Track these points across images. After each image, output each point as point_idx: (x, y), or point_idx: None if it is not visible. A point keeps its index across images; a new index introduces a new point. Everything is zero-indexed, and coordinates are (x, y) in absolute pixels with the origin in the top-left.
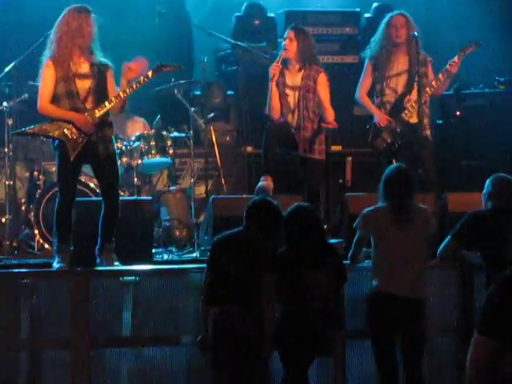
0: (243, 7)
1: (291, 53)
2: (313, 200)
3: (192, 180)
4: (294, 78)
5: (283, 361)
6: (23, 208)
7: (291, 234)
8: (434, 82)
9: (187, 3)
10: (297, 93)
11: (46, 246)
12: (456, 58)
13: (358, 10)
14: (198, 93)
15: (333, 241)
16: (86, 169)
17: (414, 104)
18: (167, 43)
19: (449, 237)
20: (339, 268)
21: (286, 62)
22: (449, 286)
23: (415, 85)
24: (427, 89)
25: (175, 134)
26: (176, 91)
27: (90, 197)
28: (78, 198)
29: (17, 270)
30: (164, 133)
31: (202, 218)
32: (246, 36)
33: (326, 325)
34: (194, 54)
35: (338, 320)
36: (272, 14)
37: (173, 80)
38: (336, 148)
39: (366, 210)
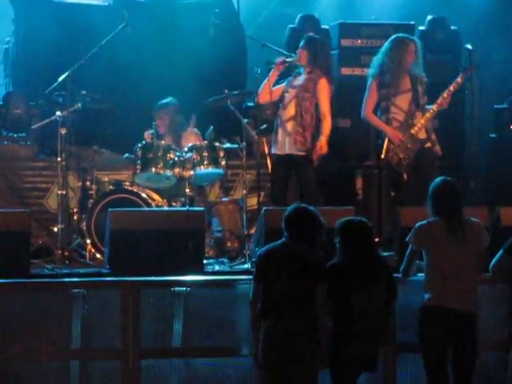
0: (297, 19)
1: (302, 60)
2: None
3: (244, 191)
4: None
5: (331, 374)
6: (75, 217)
7: (345, 247)
8: (439, 100)
9: (241, 14)
10: (295, 90)
11: (98, 255)
12: (459, 78)
13: (412, 22)
14: (250, 104)
15: (384, 254)
16: (138, 179)
17: (421, 120)
18: (221, 54)
19: (501, 251)
20: (391, 285)
21: (299, 68)
22: (500, 300)
23: (420, 101)
24: (434, 107)
25: (228, 145)
26: (229, 102)
27: (142, 207)
28: (129, 208)
29: (68, 280)
30: (216, 144)
31: (253, 230)
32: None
33: (372, 342)
34: (248, 65)
35: (385, 336)
36: (326, 26)
37: (226, 91)
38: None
39: (419, 223)
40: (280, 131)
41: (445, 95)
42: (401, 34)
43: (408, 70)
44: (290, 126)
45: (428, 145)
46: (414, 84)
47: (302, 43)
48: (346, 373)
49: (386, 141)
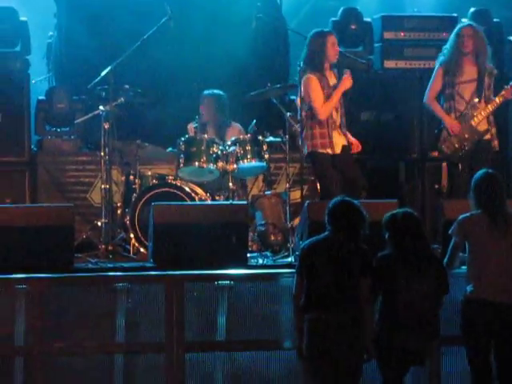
0: (339, 12)
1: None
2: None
3: (287, 185)
4: (331, 79)
5: (380, 368)
6: (119, 212)
7: (394, 240)
8: (503, 92)
9: (284, 7)
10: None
11: (142, 249)
12: None
13: (455, 14)
14: (293, 97)
15: None
16: (181, 173)
17: (482, 112)
18: (264, 47)
19: None
20: (442, 279)
21: (323, 65)
22: None
23: (484, 94)
24: (496, 99)
25: (271, 138)
26: (271, 96)
27: (185, 200)
28: (172, 202)
29: (112, 274)
30: (259, 137)
31: (297, 223)
32: (342, 41)
33: (420, 335)
34: (290, 58)
35: (434, 330)
36: (368, 19)
37: (268, 84)
38: (433, 154)
39: (462, 216)
40: (335, 133)
41: (509, 87)
42: (465, 22)
43: (472, 57)
44: (341, 126)
45: (488, 137)
46: (481, 74)
47: (335, 40)
48: (394, 366)
49: (444, 130)
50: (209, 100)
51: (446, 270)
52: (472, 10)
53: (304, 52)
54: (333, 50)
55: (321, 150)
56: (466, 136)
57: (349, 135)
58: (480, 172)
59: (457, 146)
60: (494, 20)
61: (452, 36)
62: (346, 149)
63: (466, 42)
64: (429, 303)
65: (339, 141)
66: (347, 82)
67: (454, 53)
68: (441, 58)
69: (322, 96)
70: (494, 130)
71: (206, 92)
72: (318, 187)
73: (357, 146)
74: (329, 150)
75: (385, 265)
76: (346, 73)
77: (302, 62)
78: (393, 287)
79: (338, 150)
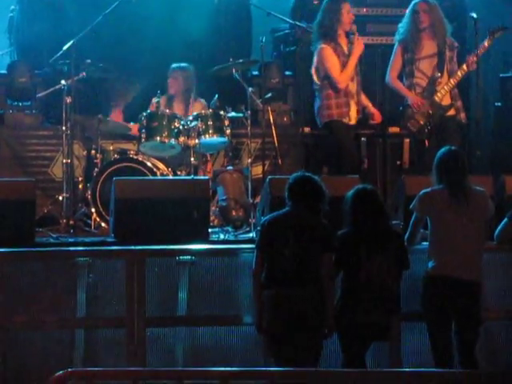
0: None
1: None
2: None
3: (249, 160)
4: (346, 47)
5: (341, 344)
6: (80, 186)
7: (356, 216)
8: (465, 65)
9: None
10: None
11: (103, 224)
12: (486, 42)
13: None
14: (256, 73)
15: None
16: (143, 147)
17: (445, 86)
18: (226, 23)
19: (505, 219)
20: (402, 255)
21: (337, 33)
22: (505, 268)
23: (445, 68)
24: (458, 72)
25: (232, 113)
26: (234, 71)
27: (147, 175)
28: (134, 177)
29: (73, 249)
30: (221, 112)
31: (258, 198)
32: (305, 16)
33: (381, 311)
34: (253, 34)
35: (395, 305)
36: None
37: (231, 60)
38: (394, 130)
39: (423, 191)
40: (352, 103)
41: (471, 59)
42: None
43: (430, 32)
44: (358, 95)
45: (452, 112)
46: (441, 48)
47: (347, 7)
48: (356, 342)
49: (408, 108)
50: (178, 73)
51: (406, 246)
52: None
53: (318, 19)
54: (348, 17)
55: (338, 119)
56: (431, 112)
57: (370, 105)
58: (443, 149)
59: (422, 122)
60: None
61: (407, 13)
62: (360, 121)
63: (421, 17)
64: (390, 279)
65: (354, 111)
66: (359, 46)
67: (410, 29)
68: (398, 37)
69: (339, 64)
70: (459, 104)
71: (174, 65)
72: (280, 162)
73: (378, 116)
74: (346, 120)
75: (346, 242)
76: (355, 37)
77: (315, 28)
78: (354, 264)
79: (354, 121)
